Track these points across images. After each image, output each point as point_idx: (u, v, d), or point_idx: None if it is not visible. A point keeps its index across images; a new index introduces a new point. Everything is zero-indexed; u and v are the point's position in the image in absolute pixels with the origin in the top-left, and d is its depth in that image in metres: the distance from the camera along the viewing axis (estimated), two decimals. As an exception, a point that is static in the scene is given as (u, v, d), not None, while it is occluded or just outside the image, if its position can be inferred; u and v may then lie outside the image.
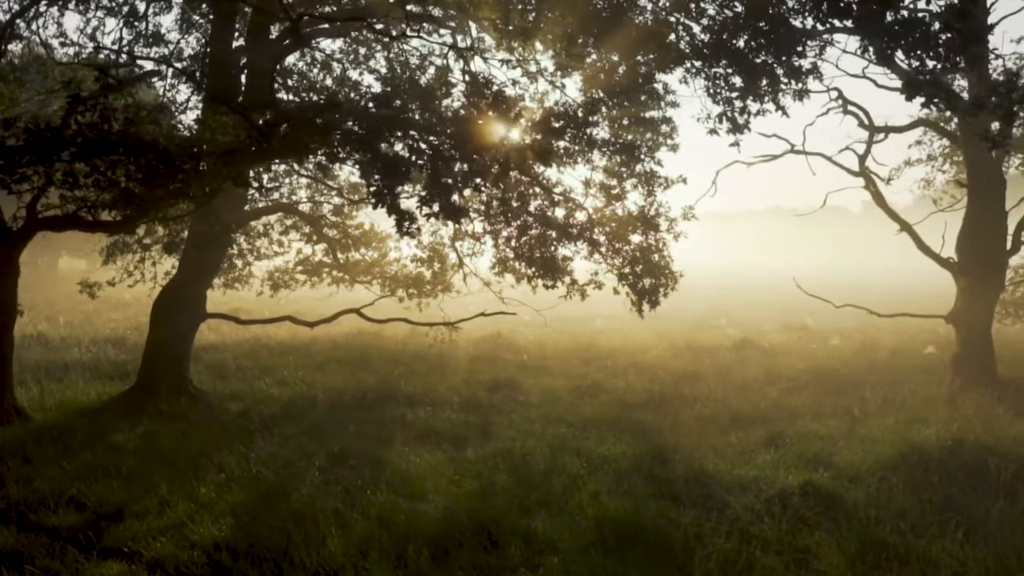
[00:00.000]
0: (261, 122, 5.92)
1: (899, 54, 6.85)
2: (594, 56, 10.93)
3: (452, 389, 13.15)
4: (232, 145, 6.70)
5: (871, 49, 6.85)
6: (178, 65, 14.51)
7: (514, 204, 12.52)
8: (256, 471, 7.98)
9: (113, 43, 13.97)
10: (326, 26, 11.94)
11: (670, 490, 7.55)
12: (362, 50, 16.46)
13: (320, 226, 15.60)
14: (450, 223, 14.22)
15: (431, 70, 15.29)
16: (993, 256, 12.53)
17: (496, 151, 9.96)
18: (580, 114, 11.67)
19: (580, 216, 12.53)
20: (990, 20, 12.82)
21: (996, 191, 12.59)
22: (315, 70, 16.74)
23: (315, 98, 14.51)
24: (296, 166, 12.59)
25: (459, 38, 15.13)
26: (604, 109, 12.31)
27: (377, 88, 14.70)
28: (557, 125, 11.66)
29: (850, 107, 14.35)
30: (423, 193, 6.42)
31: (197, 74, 10.99)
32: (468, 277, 15.76)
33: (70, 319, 21.51)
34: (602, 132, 12.51)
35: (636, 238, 12.26)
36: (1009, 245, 12.55)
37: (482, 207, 12.97)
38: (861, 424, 9.73)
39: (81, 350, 15.73)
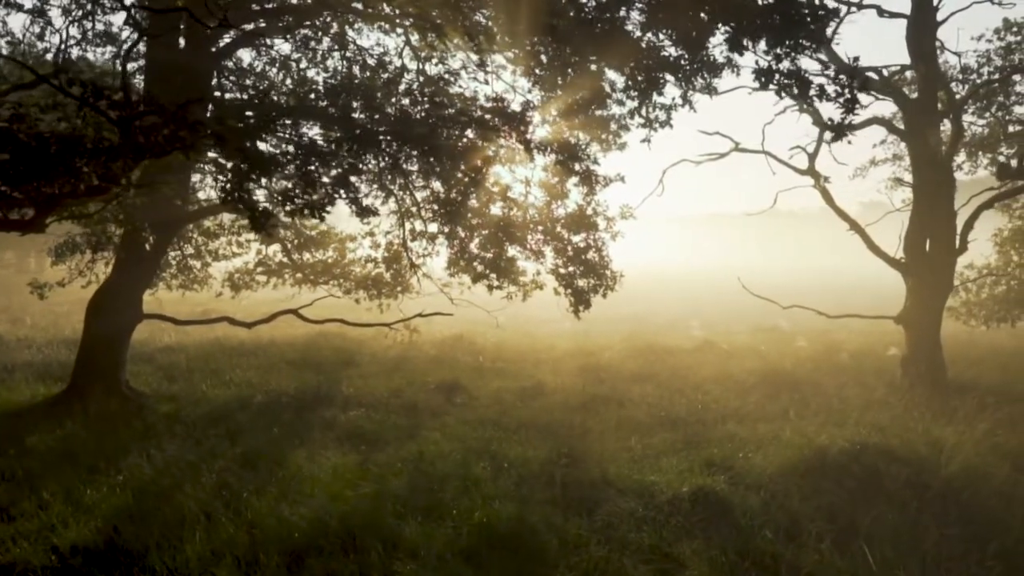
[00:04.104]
0: (116, 116, 5.79)
1: (746, 41, 6.64)
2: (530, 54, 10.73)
3: (395, 391, 13.01)
4: (109, 142, 6.59)
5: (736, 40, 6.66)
6: (137, 66, 14.53)
7: (457, 203, 12.47)
8: (151, 474, 7.86)
9: (60, 42, 13.87)
10: (258, 24, 11.83)
11: (566, 495, 7.38)
12: (320, 49, 16.39)
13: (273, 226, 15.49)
14: (405, 224, 14.29)
15: (388, 70, 15.22)
16: (940, 256, 12.24)
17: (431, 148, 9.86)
18: (517, 110, 11.56)
19: (519, 215, 12.41)
20: (940, 16, 12.66)
21: (944, 190, 12.31)
22: (273, 69, 16.71)
23: (276, 97, 14.44)
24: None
25: (414, 38, 15.07)
26: (554, 107, 12.20)
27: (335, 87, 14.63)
28: (495, 122, 11.57)
29: (805, 105, 14.14)
30: (292, 188, 6.30)
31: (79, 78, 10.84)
32: (421, 278, 15.64)
33: (39, 320, 21.53)
34: (541, 130, 12.41)
35: (576, 238, 12.10)
36: (958, 245, 12.26)
37: (435, 207, 12.91)
38: (788, 427, 9.49)
39: (34, 351, 15.69)
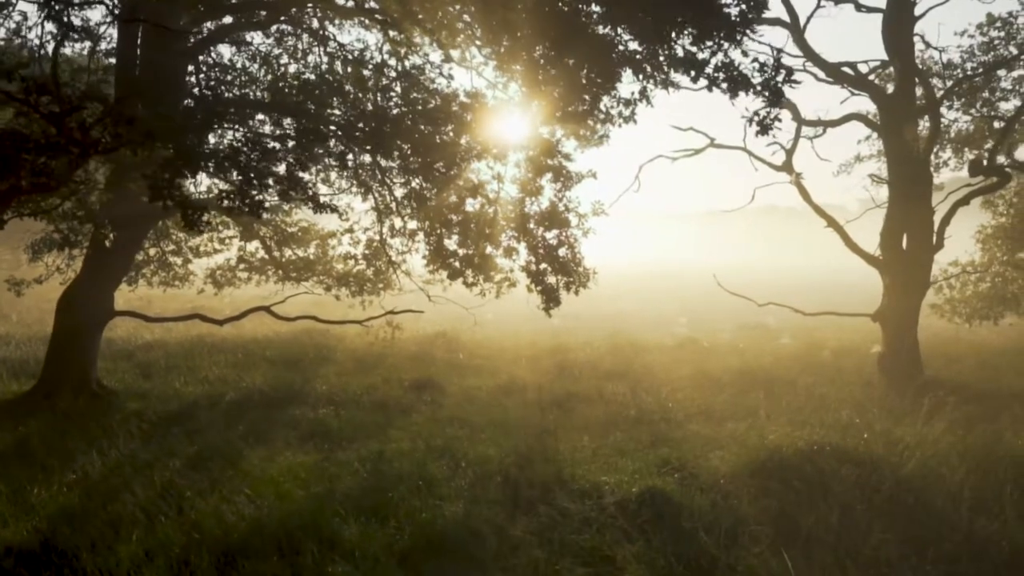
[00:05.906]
0: (48, 113, 5.71)
1: (672, 32, 6.50)
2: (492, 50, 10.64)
3: (368, 388, 12.93)
4: (55, 139, 6.52)
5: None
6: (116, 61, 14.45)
7: (430, 199, 12.43)
8: (103, 472, 7.81)
9: (36, 37, 13.78)
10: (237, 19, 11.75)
11: (517, 495, 7.30)
12: (299, 45, 16.29)
13: (250, 223, 15.42)
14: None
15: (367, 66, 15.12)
16: (917, 253, 12.09)
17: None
18: (491, 105, 11.48)
19: (492, 211, 12.32)
20: (917, 10, 12.51)
21: (920, 187, 12.15)
22: (255, 66, 16.60)
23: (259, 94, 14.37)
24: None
25: (393, 35, 14.96)
26: (532, 102, 12.11)
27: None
28: (467, 118, 11.49)
29: (784, 101, 14.00)
30: (234, 186, 6.20)
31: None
32: (401, 275, 15.57)
33: (24, 317, 21.53)
34: (518, 126, 12.33)
35: (549, 235, 12.00)
36: (935, 241, 12.10)
37: (413, 203, 12.87)
38: (750, 426, 9.38)
39: (12, 348, 15.66)
